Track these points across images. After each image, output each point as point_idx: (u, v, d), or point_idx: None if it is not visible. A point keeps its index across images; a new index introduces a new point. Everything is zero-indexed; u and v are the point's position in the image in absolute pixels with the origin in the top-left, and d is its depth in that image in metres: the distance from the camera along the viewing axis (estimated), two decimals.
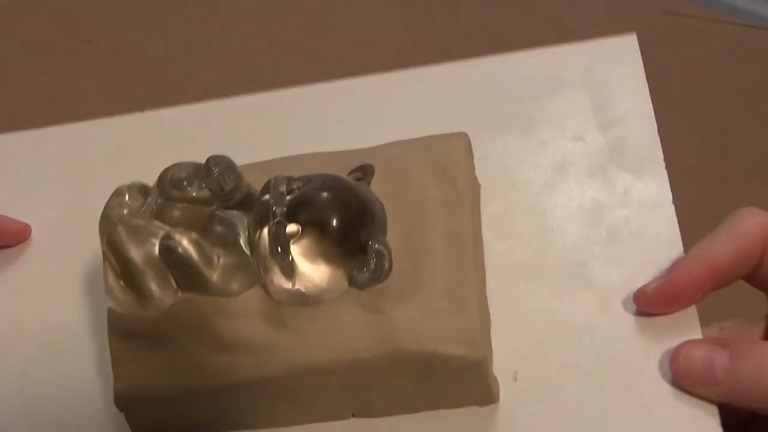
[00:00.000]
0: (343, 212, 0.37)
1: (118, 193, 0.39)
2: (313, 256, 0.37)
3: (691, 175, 0.84)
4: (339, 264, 0.37)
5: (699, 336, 0.38)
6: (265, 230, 0.37)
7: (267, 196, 0.37)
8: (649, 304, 0.38)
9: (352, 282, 0.37)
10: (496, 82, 0.48)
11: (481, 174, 0.44)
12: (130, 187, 0.39)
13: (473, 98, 0.48)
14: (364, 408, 0.39)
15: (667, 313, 0.38)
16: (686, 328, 0.38)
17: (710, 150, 0.87)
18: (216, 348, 0.37)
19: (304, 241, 0.37)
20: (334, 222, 0.37)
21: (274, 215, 0.37)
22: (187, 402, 0.39)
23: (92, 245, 0.40)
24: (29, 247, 0.48)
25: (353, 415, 0.39)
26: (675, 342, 0.38)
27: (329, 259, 0.37)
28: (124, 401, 0.39)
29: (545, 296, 0.41)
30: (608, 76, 0.47)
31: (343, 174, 0.40)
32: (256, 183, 0.39)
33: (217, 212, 0.38)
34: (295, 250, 0.37)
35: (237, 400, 0.39)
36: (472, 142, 0.43)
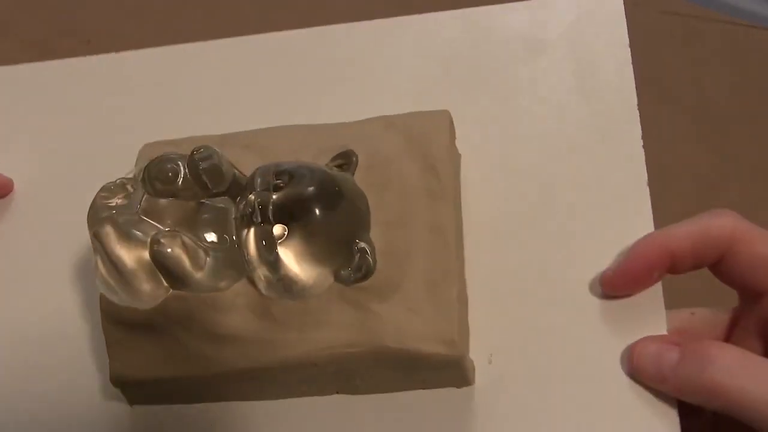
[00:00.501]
0: (330, 212, 0.37)
1: (105, 189, 0.39)
2: (299, 254, 0.37)
3: (690, 175, 0.83)
4: (325, 262, 0.37)
5: (663, 322, 0.39)
6: (252, 230, 0.37)
7: (252, 196, 0.36)
8: (612, 286, 0.39)
9: (337, 278, 0.38)
10: (476, 37, 0.47)
11: (460, 143, 0.43)
12: (116, 184, 0.39)
13: (452, 55, 0.47)
14: (347, 388, 0.40)
15: (631, 294, 0.39)
16: (653, 314, 0.39)
17: (710, 150, 0.86)
18: (206, 339, 0.38)
19: (291, 240, 0.36)
20: (321, 222, 0.36)
21: (260, 217, 0.36)
22: (180, 383, 0.40)
23: (78, 197, 0.40)
24: (13, 201, 0.47)
25: (337, 392, 0.40)
26: (641, 329, 0.38)
27: (315, 257, 0.37)
28: (120, 381, 0.40)
29: (520, 278, 0.41)
30: (591, 38, 0.45)
31: (326, 157, 0.40)
32: (237, 160, 0.39)
33: (204, 200, 0.38)
34: (282, 249, 0.37)
35: (227, 383, 0.40)
36: (450, 103, 0.42)
